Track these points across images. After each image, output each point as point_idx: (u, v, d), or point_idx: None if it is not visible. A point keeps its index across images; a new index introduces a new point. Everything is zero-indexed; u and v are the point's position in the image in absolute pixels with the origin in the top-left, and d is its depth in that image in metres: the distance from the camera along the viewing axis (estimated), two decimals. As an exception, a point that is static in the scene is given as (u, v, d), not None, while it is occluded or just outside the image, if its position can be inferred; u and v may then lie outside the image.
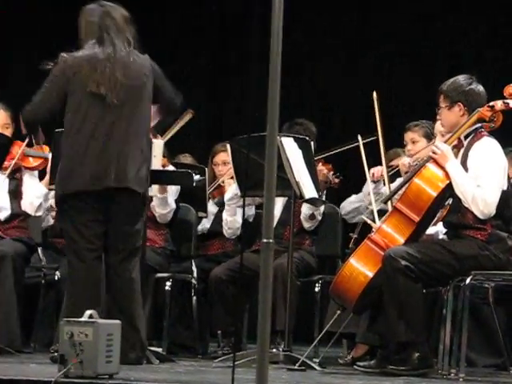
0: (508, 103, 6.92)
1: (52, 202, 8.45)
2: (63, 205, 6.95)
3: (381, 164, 8.06)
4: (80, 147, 6.77)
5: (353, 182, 9.05)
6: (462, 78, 7.26)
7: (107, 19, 6.93)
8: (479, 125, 6.98)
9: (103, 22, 6.92)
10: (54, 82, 6.89)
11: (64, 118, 6.90)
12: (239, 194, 8.26)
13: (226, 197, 8.68)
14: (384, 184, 8.13)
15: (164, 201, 8.19)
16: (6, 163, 7.79)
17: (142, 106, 6.91)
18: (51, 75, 6.93)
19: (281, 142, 6.84)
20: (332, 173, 8.50)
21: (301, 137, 7.49)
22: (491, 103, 7.00)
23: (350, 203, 8.80)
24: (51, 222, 8.56)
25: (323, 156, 8.22)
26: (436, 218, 7.30)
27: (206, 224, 8.91)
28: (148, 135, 7.11)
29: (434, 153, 7.00)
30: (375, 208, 7.87)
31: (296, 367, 6.92)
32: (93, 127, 6.75)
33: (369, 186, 8.10)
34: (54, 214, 8.60)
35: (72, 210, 6.86)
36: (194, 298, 8.35)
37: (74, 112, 6.81)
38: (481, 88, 7.19)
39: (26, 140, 8.04)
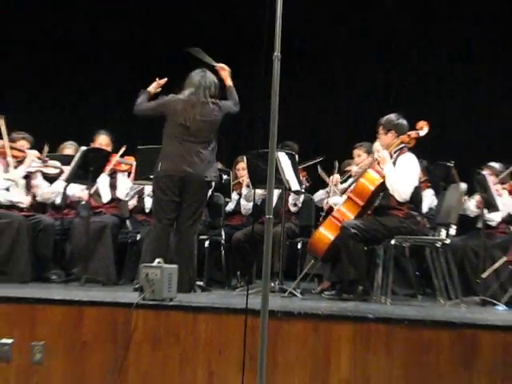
0: (418, 133, 7.12)
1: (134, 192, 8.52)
2: (156, 184, 6.98)
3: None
4: (171, 150, 6.84)
5: (319, 182, 8.99)
6: (393, 115, 7.22)
7: (203, 80, 6.96)
8: (403, 145, 7.09)
9: (200, 80, 6.95)
10: (160, 104, 7.01)
11: (164, 130, 6.96)
12: (251, 188, 8.33)
13: (243, 191, 8.74)
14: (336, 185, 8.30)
15: None
16: (107, 167, 7.81)
17: (207, 132, 6.92)
18: (162, 99, 7.07)
19: (277, 155, 6.92)
20: (305, 178, 8.59)
21: (289, 152, 7.54)
22: (409, 132, 7.17)
23: (319, 195, 8.88)
24: (135, 203, 8.58)
25: (301, 166, 8.28)
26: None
27: (230, 205, 8.97)
28: (209, 148, 6.99)
29: (379, 157, 7.06)
30: (335, 197, 7.98)
31: (285, 295, 7.02)
32: (179, 140, 6.82)
33: (330, 187, 8.20)
34: (135, 199, 8.62)
35: (159, 191, 6.89)
36: (223, 251, 8.40)
37: (170, 128, 6.90)
38: (404, 122, 7.22)
39: (119, 153, 8.06)
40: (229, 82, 7.17)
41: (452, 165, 8.02)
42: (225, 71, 7.14)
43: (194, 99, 6.96)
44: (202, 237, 7.82)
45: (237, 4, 9.95)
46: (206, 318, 5.55)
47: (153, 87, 7.12)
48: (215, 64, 7.17)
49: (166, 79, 7.17)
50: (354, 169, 8.13)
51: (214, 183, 7.53)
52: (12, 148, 7.54)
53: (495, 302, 7.07)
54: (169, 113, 6.94)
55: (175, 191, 6.86)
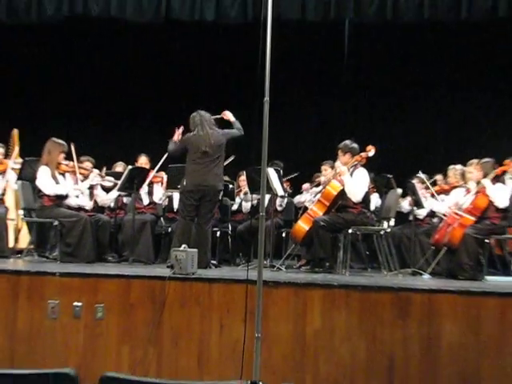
0: (367, 154, 7.07)
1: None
2: (182, 193, 6.98)
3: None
4: (193, 170, 6.85)
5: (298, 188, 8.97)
6: (348, 141, 7.13)
7: (202, 118, 6.94)
8: (356, 162, 7.04)
9: (201, 118, 6.94)
10: (182, 143, 6.96)
11: (187, 157, 6.95)
12: (249, 193, 8.35)
13: (242, 196, 8.77)
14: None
15: None
16: (146, 180, 7.79)
17: (220, 155, 6.94)
18: (182, 140, 7.02)
19: (268, 170, 6.95)
20: (288, 186, 8.62)
21: (276, 168, 7.55)
22: (361, 154, 7.06)
23: (297, 199, 8.85)
24: (166, 204, 8.55)
25: (285, 178, 8.27)
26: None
27: (235, 206, 8.88)
28: (219, 164, 7.00)
29: (340, 171, 7.03)
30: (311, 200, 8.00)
31: (274, 269, 6.98)
32: (199, 162, 6.83)
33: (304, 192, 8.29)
34: (166, 202, 8.60)
35: (184, 198, 6.90)
36: (230, 239, 8.40)
37: (192, 155, 6.88)
38: (356, 145, 7.12)
39: (155, 169, 8.05)
40: (232, 119, 7.13)
41: (391, 176, 7.94)
42: (226, 116, 7.12)
43: (205, 132, 6.92)
44: (214, 229, 7.79)
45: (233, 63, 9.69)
46: (218, 286, 5.59)
47: (176, 136, 7.06)
48: (219, 116, 7.10)
49: (182, 128, 7.09)
50: (322, 179, 8.04)
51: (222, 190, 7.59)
52: (80, 167, 7.53)
53: (422, 272, 7.11)
54: (190, 146, 6.92)
55: (196, 198, 6.84)
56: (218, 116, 7.11)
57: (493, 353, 5.24)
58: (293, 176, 8.72)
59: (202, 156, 6.91)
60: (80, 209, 7.46)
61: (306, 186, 8.65)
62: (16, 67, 10.18)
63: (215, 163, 6.95)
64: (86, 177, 7.66)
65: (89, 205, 7.70)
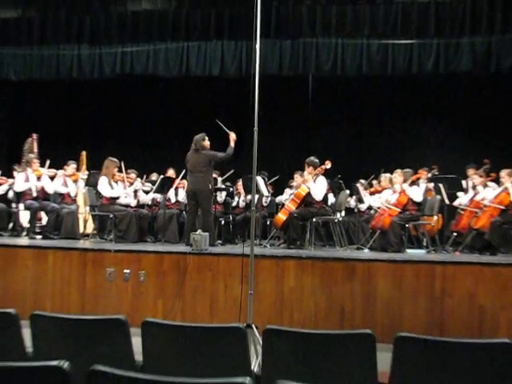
0: (326, 166, 6.84)
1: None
2: (187, 196, 6.77)
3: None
4: (189, 178, 6.67)
5: (278, 190, 8.95)
6: (312, 158, 6.95)
7: (196, 143, 6.62)
8: (318, 172, 6.90)
9: (195, 143, 6.63)
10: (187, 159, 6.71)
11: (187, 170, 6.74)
12: (244, 194, 8.30)
13: (240, 197, 8.68)
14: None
15: None
16: (173, 185, 7.77)
17: (206, 166, 6.53)
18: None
19: (257, 178, 6.90)
20: (272, 188, 8.56)
21: (263, 176, 7.52)
22: (322, 166, 6.85)
23: (278, 198, 8.80)
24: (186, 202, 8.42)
25: (269, 182, 8.23)
26: None
27: (234, 203, 8.74)
28: (209, 176, 6.63)
29: (307, 178, 6.86)
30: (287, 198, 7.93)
31: (261, 247, 6.82)
32: (191, 172, 6.58)
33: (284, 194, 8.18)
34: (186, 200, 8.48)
35: (188, 197, 6.72)
36: (231, 226, 8.36)
37: (189, 168, 6.62)
38: (317, 160, 6.90)
39: (179, 178, 7.77)
40: (231, 144, 6.55)
41: (341, 181, 7.84)
42: (232, 138, 6.56)
43: (193, 153, 6.63)
44: (220, 218, 7.78)
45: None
46: (223, 259, 5.57)
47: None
48: (228, 131, 6.48)
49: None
50: (294, 184, 7.85)
51: (223, 194, 7.47)
52: (127, 177, 7.51)
53: (363, 247, 7.10)
54: (187, 161, 6.69)
55: (193, 197, 6.61)
56: (227, 130, 6.46)
57: (410, 301, 5.28)
58: (273, 180, 8.43)
59: (190, 168, 6.62)
60: (127, 206, 7.39)
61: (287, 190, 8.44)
62: (83, 110, 10.08)
63: (201, 174, 6.57)
64: (131, 183, 7.63)
65: (133, 203, 7.57)
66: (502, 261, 5.40)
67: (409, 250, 6.71)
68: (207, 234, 5.98)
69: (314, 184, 6.89)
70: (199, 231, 5.98)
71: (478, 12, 7.52)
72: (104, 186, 7.11)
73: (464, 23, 7.60)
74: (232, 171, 8.00)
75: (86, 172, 8.12)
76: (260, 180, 7.25)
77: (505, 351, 2.23)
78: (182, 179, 7.86)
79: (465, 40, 7.70)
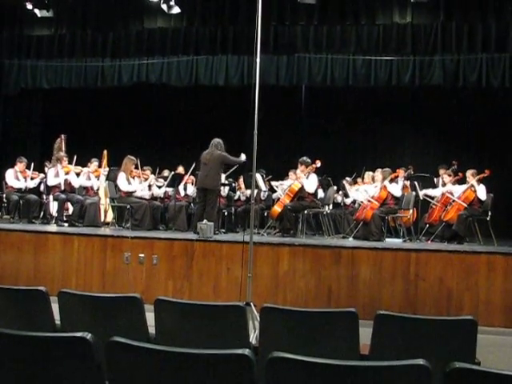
0: (316, 165, 6.76)
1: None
2: (197, 189, 6.70)
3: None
4: (201, 172, 6.51)
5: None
6: (304, 157, 6.83)
7: (213, 144, 6.48)
8: (310, 170, 6.80)
9: (212, 145, 6.50)
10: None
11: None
12: (245, 189, 8.24)
13: (241, 192, 8.61)
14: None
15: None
16: (182, 180, 7.75)
17: (217, 164, 6.39)
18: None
19: (256, 175, 6.87)
20: (268, 184, 8.50)
21: (261, 174, 7.48)
22: (313, 165, 6.76)
23: (275, 194, 8.70)
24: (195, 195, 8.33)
25: (266, 179, 8.17)
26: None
27: (236, 197, 8.74)
28: (219, 173, 6.46)
29: (300, 175, 6.81)
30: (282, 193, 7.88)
31: (260, 235, 6.65)
32: (204, 165, 6.39)
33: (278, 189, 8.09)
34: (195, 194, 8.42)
35: (198, 192, 6.64)
36: (233, 217, 8.32)
37: (203, 162, 6.43)
38: (309, 160, 6.80)
39: (188, 174, 7.74)
40: (243, 157, 6.33)
41: (330, 178, 7.68)
42: (244, 157, 6.29)
43: (210, 151, 6.47)
44: (223, 210, 7.76)
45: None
46: (226, 245, 5.55)
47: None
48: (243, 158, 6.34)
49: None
50: (289, 179, 7.98)
51: (226, 188, 7.39)
52: (143, 173, 7.46)
53: (348, 236, 7.00)
54: (202, 157, 6.51)
55: (202, 193, 6.48)
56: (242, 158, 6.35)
57: (388, 284, 5.31)
58: (270, 177, 8.09)
59: (203, 167, 6.49)
60: (142, 198, 7.35)
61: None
62: (105, 114, 9.95)
63: (213, 171, 6.39)
64: (146, 179, 7.57)
65: (148, 195, 7.41)
66: (467, 249, 5.45)
67: (388, 239, 6.68)
68: (212, 223, 5.92)
69: (306, 181, 6.82)
70: (205, 221, 5.95)
71: (448, 34, 7.70)
72: (122, 181, 7.03)
73: (436, 43, 7.75)
74: (234, 168, 7.96)
75: (107, 168, 8.01)
76: (259, 177, 7.17)
77: (468, 326, 2.31)
78: (190, 175, 7.81)
79: (437, 57, 7.81)
